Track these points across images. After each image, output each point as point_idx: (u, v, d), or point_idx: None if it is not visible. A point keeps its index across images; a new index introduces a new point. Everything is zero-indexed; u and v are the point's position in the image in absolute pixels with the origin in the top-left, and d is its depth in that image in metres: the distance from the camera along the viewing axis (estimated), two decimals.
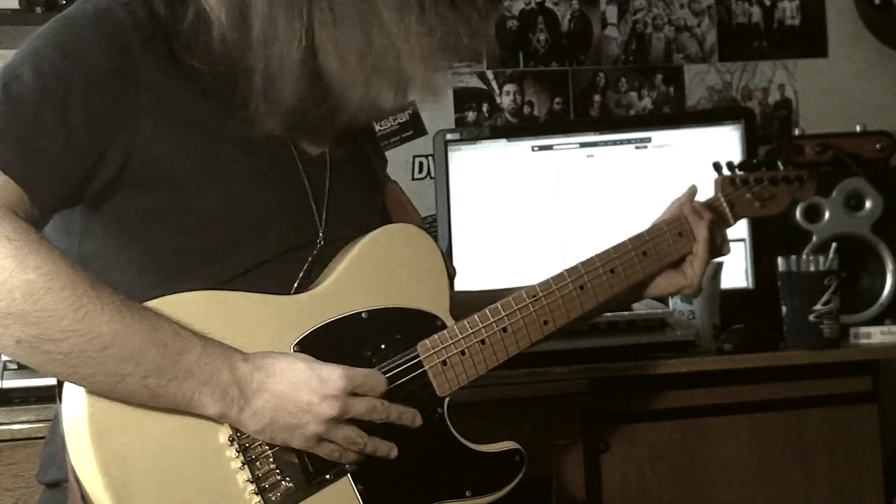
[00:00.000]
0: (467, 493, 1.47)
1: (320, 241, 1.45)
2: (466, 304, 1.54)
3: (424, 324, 1.48)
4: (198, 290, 1.34)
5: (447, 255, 2.50)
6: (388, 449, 1.40)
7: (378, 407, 1.38)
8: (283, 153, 1.43)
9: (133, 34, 1.34)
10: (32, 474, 1.49)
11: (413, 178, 2.85)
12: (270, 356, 1.34)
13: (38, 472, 1.47)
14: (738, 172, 1.82)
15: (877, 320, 2.48)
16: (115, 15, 1.35)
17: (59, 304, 1.22)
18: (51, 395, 1.36)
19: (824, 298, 2.24)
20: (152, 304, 1.30)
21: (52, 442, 1.43)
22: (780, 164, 1.85)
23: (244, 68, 1.37)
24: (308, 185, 1.45)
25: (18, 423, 1.84)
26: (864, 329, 2.34)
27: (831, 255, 2.27)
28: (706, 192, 1.79)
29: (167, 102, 1.35)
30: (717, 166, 1.82)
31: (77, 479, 1.28)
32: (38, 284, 1.21)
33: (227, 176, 1.38)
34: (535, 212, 2.54)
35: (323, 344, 1.39)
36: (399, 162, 2.79)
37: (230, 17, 1.37)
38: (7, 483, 1.84)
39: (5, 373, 1.92)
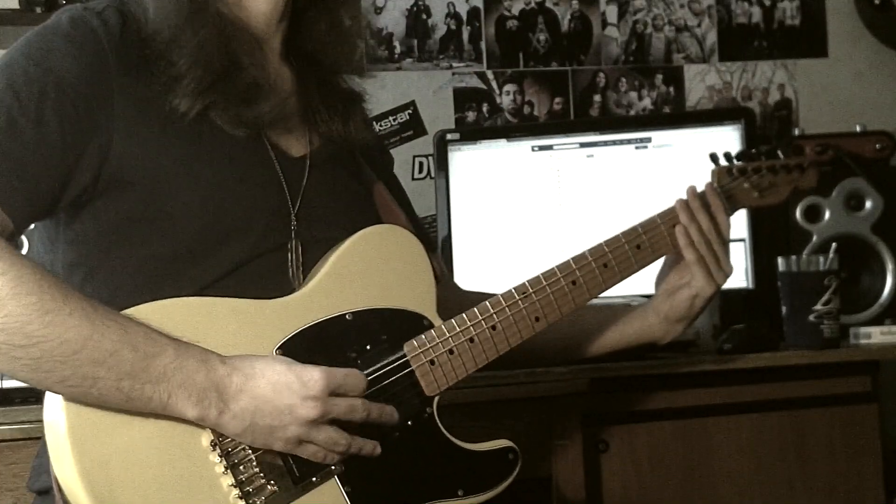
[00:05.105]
0: (459, 493, 1.46)
1: (292, 242, 1.44)
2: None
3: (411, 324, 1.47)
4: (178, 295, 1.33)
5: (447, 255, 2.51)
6: (371, 447, 1.39)
7: (358, 406, 1.37)
8: (260, 154, 1.43)
9: (105, 41, 1.36)
10: None
11: (413, 178, 2.85)
12: (249, 358, 1.33)
13: (28, 480, 1.47)
14: (736, 162, 1.79)
15: (877, 320, 2.47)
16: (87, 23, 1.36)
17: (24, 310, 1.21)
18: None
19: (824, 298, 2.23)
20: (128, 312, 1.29)
21: (43, 449, 1.42)
22: (780, 153, 1.82)
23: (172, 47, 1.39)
24: (286, 187, 1.45)
25: (18, 423, 1.84)
26: (864, 329, 2.34)
27: (831, 255, 2.27)
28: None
29: (141, 107, 1.36)
30: (713, 157, 1.79)
31: (59, 489, 1.27)
32: (3, 291, 1.21)
33: (203, 178, 1.38)
34: (535, 212, 2.54)
35: (306, 347, 1.38)
36: (399, 162, 2.77)
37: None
38: (7, 483, 1.84)
39: None
